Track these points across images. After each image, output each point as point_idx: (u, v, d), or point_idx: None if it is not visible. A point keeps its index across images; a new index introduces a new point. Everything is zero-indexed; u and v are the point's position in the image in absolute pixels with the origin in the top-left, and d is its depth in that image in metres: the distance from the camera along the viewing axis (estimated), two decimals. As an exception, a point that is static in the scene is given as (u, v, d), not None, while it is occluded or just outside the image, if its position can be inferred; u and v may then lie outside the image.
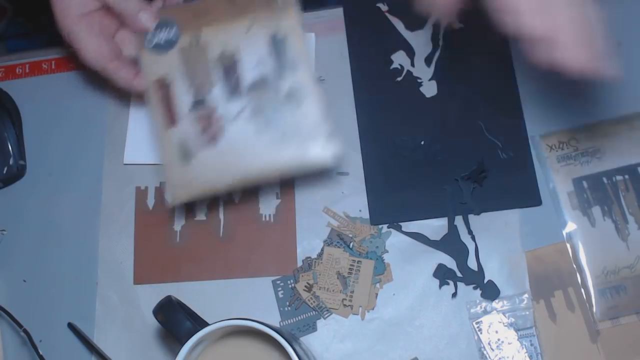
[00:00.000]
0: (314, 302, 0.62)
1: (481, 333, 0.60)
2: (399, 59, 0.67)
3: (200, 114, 0.59)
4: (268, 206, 0.65)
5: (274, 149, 0.57)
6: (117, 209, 0.66)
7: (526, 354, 0.59)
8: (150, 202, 0.66)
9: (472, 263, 0.62)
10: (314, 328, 0.61)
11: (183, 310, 0.56)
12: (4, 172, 0.68)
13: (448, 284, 0.61)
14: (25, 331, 0.61)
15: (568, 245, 0.61)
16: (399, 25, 0.68)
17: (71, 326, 0.63)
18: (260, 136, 0.58)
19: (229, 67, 0.59)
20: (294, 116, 0.57)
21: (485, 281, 0.61)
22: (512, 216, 0.62)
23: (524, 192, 0.63)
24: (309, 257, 0.63)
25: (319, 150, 0.57)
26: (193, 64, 0.60)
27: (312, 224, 0.64)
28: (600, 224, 0.61)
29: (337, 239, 0.63)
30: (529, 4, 0.46)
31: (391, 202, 0.63)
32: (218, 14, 0.60)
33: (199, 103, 0.59)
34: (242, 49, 0.60)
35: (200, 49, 0.60)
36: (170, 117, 0.60)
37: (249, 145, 0.58)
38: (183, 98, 0.60)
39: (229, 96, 0.59)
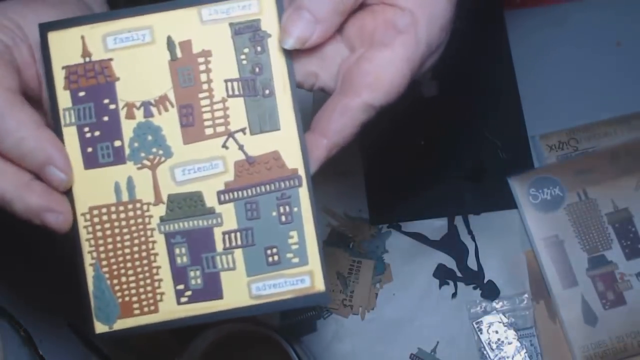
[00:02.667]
0: (314, 302, 0.62)
1: (481, 333, 0.60)
2: (399, 59, 0.67)
3: (599, 272, 0.59)
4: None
5: None
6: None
7: (526, 354, 0.59)
8: (150, 202, 0.66)
9: (472, 263, 0.62)
10: (314, 328, 0.61)
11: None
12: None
13: (448, 284, 0.61)
14: (25, 331, 0.61)
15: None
16: (399, 25, 0.68)
17: (71, 326, 0.63)
18: None
19: (623, 224, 0.59)
20: None
21: (485, 281, 0.61)
22: (512, 216, 0.62)
23: (524, 192, 0.63)
24: (309, 257, 0.63)
25: None
26: (584, 222, 0.59)
27: (312, 224, 0.64)
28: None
29: (337, 239, 0.63)
30: None
31: (391, 202, 0.63)
32: (603, 171, 0.60)
33: (596, 261, 0.59)
34: (634, 204, 0.59)
35: (589, 206, 0.59)
36: (568, 277, 0.59)
37: None
38: (578, 257, 0.59)
39: (629, 253, 0.59)
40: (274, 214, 0.39)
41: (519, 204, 0.61)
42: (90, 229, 0.39)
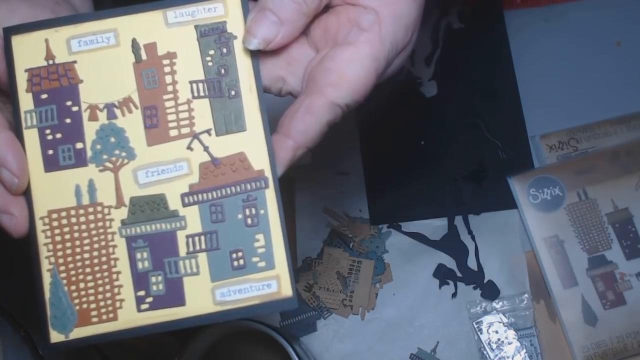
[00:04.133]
0: (314, 302, 0.62)
1: (481, 333, 0.60)
2: (399, 59, 0.67)
3: (599, 272, 0.58)
4: (268, 206, 0.65)
5: None
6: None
7: (526, 354, 0.59)
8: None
9: (472, 263, 0.62)
10: (314, 328, 0.61)
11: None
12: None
13: (448, 284, 0.61)
14: (25, 331, 0.61)
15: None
16: (399, 25, 0.68)
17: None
18: None
19: (623, 224, 0.59)
20: None
21: (485, 281, 0.61)
22: (512, 216, 0.62)
23: (524, 192, 0.63)
24: (309, 257, 0.63)
25: None
26: (584, 221, 0.59)
27: (312, 224, 0.64)
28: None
29: (337, 239, 0.63)
30: None
31: (391, 202, 0.63)
32: (603, 171, 0.60)
33: (596, 261, 0.59)
34: (634, 204, 0.59)
35: (589, 206, 0.59)
36: (568, 277, 0.59)
37: None
38: (578, 257, 0.59)
39: (629, 253, 0.59)
40: (240, 216, 0.38)
41: (519, 204, 0.61)
42: (48, 233, 0.38)
